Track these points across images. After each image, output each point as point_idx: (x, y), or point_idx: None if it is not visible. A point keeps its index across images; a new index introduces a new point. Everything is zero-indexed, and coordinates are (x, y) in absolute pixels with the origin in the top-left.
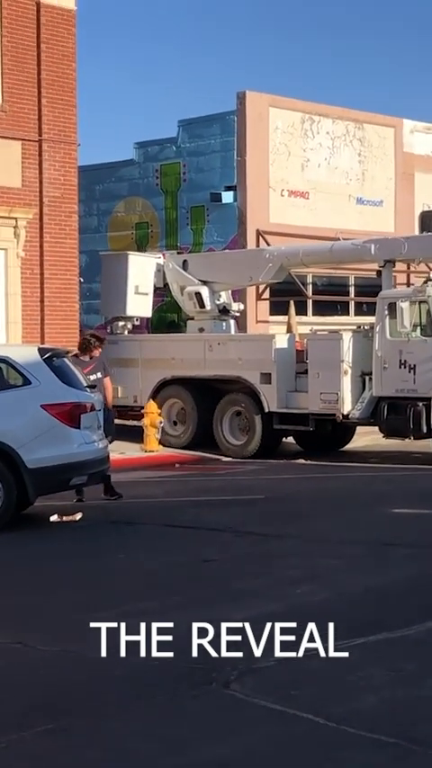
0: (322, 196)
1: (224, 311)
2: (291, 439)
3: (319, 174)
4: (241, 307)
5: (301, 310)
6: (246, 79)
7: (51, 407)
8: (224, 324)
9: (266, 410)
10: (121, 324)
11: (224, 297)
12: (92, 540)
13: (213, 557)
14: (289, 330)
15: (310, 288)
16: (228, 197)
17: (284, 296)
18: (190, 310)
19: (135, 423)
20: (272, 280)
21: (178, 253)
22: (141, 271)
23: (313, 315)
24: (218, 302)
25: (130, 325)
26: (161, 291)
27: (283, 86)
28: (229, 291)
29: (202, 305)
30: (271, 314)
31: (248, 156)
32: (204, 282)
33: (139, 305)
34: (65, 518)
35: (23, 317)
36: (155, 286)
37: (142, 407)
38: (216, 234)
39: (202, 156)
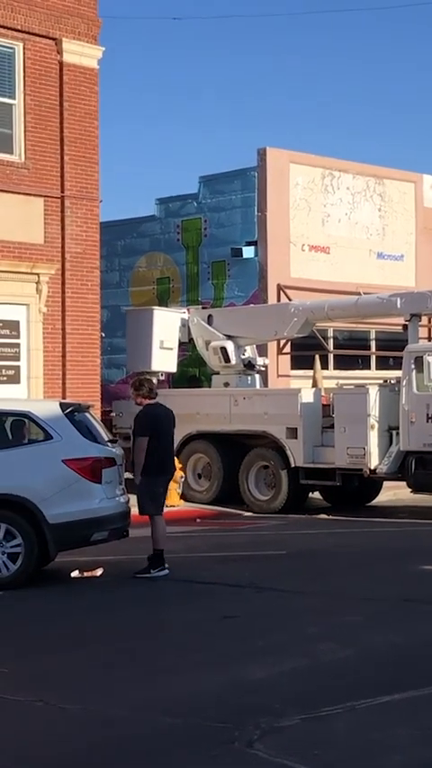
0: (343, 251)
1: (249, 366)
2: (317, 494)
3: (339, 228)
4: (266, 361)
5: (323, 365)
6: (266, 136)
7: (73, 462)
8: (249, 378)
9: (293, 465)
10: None
11: (249, 351)
12: (112, 595)
13: (234, 613)
14: (314, 384)
15: (331, 342)
16: (249, 252)
17: (305, 350)
18: (215, 365)
19: None
20: (297, 334)
21: (203, 308)
22: (166, 326)
23: (335, 369)
24: (243, 357)
25: (154, 380)
26: (185, 346)
27: (302, 143)
28: (254, 346)
29: (227, 359)
30: (292, 368)
31: (269, 212)
32: (229, 337)
33: (165, 360)
34: (86, 573)
35: (45, 372)
36: (180, 341)
37: None
38: (237, 289)
39: (223, 211)
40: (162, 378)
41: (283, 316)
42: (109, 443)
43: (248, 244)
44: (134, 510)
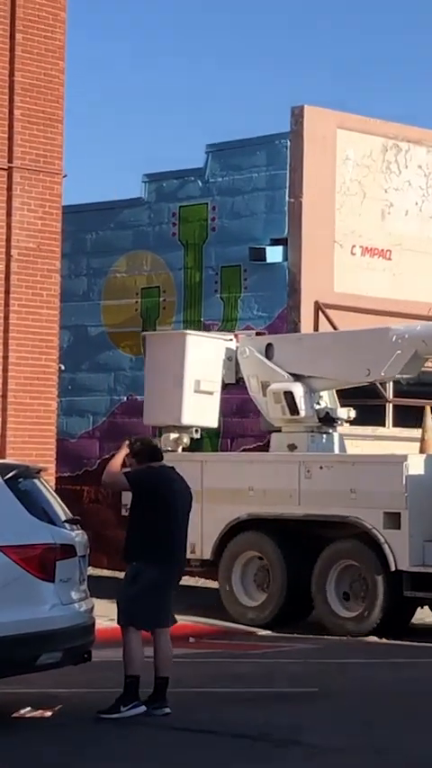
0: (410, 256)
1: (327, 420)
2: (427, 608)
3: (406, 224)
4: (352, 414)
5: (376, 418)
6: (304, 91)
7: (14, 551)
8: (325, 437)
9: (393, 568)
10: (173, 437)
11: (326, 398)
12: (69, 746)
13: None
14: (423, 449)
15: (390, 389)
16: (275, 254)
17: (362, 397)
18: (276, 417)
19: (198, 583)
20: (401, 374)
21: (257, 333)
22: (205, 359)
23: (394, 426)
24: (318, 406)
25: (186, 440)
26: (232, 389)
27: (355, 102)
28: (334, 391)
29: (294, 410)
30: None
31: (306, 198)
32: (298, 377)
33: (202, 409)
34: (29, 714)
35: None
36: (224, 382)
37: (204, 563)
38: (257, 306)
39: (240, 195)
40: (197, 435)
41: (382, 346)
42: (67, 524)
43: (275, 243)
44: (101, 622)
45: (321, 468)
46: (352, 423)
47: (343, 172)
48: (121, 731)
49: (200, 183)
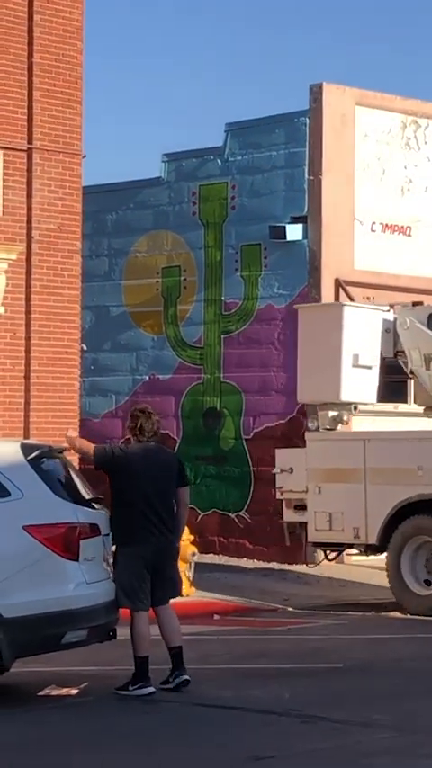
0: (430, 232)
1: None
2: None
3: (426, 201)
4: None
5: (398, 394)
6: (323, 69)
7: (38, 530)
8: None
9: None
10: (331, 415)
11: None
12: (95, 724)
13: (268, 753)
14: None
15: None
16: (295, 232)
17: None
18: None
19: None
20: None
21: (414, 304)
22: (363, 332)
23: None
24: None
25: (346, 417)
26: (390, 362)
27: (374, 80)
28: None
29: None
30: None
31: (326, 175)
32: None
33: (360, 385)
34: (54, 692)
35: (1, 399)
36: (382, 356)
37: (369, 547)
38: (278, 284)
39: (259, 173)
40: (355, 412)
41: None
42: (90, 503)
43: (295, 220)
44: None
45: None
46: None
47: (362, 149)
48: (147, 707)
49: (219, 162)
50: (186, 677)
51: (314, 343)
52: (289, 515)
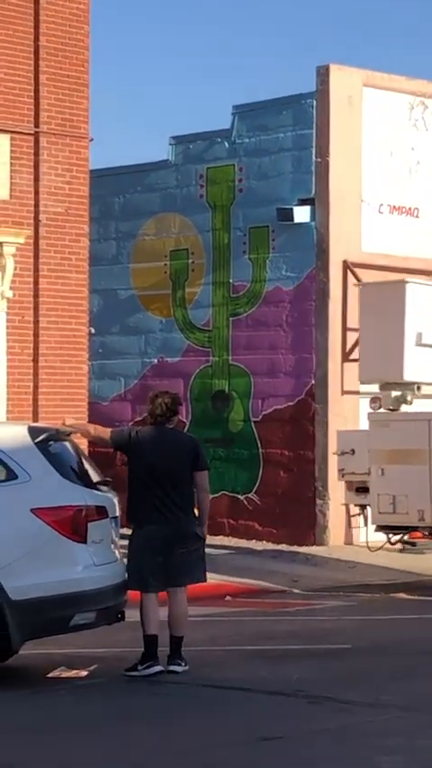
0: None
1: None
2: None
3: None
4: None
5: None
6: (330, 50)
7: (46, 513)
8: None
9: None
10: (394, 395)
11: None
12: (104, 705)
13: (277, 733)
14: None
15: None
16: (302, 214)
17: None
18: None
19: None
20: None
21: None
22: (426, 310)
23: None
24: None
25: (409, 397)
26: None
27: (381, 61)
28: None
29: None
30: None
31: (333, 157)
32: None
33: (424, 364)
34: (63, 674)
35: (9, 383)
36: None
37: None
38: (285, 266)
39: (267, 155)
40: (419, 392)
41: None
42: (99, 486)
43: (302, 203)
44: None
45: None
46: None
47: (369, 130)
48: (155, 689)
49: (226, 145)
50: (179, 669)
51: (376, 321)
52: (350, 498)
